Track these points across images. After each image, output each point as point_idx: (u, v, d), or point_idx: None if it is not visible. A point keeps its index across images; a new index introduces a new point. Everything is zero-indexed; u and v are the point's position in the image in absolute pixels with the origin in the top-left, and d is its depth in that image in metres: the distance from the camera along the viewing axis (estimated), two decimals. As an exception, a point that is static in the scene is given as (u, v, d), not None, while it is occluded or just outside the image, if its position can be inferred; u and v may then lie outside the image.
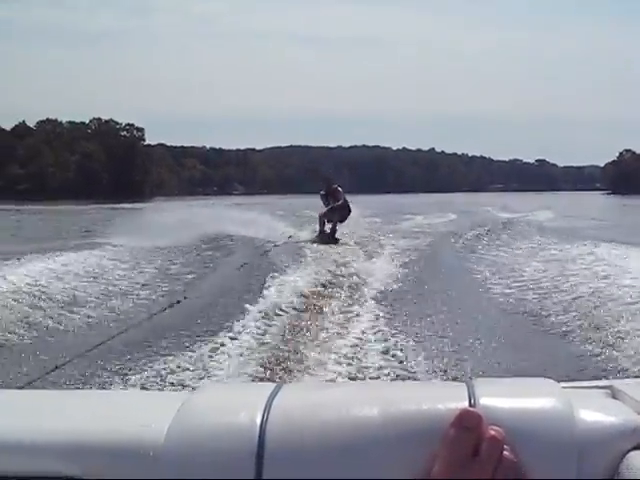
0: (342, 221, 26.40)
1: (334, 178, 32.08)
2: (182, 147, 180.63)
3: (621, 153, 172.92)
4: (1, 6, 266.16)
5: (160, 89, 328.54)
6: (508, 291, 14.42)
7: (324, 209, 25.93)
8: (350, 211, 26.73)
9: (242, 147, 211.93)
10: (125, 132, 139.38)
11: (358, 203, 39.94)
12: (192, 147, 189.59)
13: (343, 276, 16.00)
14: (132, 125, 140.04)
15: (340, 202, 25.84)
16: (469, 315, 12.02)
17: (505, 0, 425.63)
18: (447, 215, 41.55)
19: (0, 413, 1.39)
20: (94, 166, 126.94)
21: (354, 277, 15.94)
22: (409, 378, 8.28)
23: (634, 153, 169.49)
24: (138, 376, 8.54)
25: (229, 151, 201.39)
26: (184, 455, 1.24)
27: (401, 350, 9.53)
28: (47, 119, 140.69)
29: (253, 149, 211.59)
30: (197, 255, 21.59)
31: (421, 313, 11.98)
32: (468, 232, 27.65)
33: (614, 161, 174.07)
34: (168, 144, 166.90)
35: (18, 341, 10.76)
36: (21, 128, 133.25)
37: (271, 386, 1.40)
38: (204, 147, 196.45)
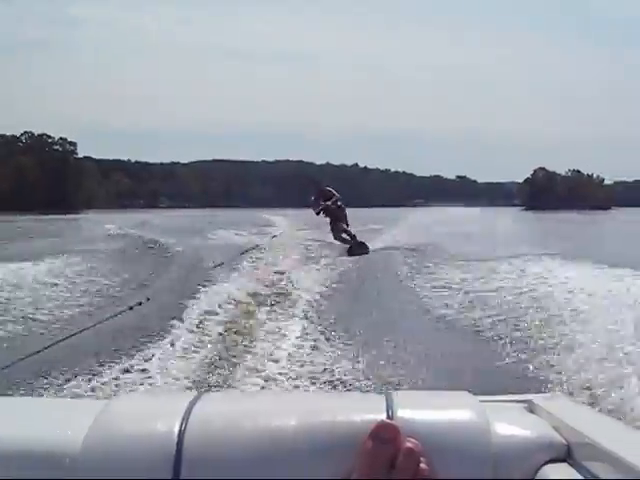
0: (343, 221, 24.50)
1: (323, 181, 31.78)
2: (108, 160, 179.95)
3: (535, 171, 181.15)
4: None
5: (84, 102, 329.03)
6: (434, 303, 14.29)
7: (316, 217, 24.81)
8: (344, 210, 24.88)
9: (167, 160, 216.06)
10: (58, 146, 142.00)
11: (288, 216, 44.32)
12: (117, 160, 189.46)
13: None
14: (65, 139, 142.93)
15: (334, 200, 24.40)
16: (396, 328, 11.89)
17: (423, 11, 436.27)
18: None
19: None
20: (28, 179, 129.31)
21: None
22: (331, 389, 8.23)
23: (547, 171, 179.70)
24: (60, 386, 8.29)
25: (154, 164, 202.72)
26: (101, 461, 1.23)
27: (325, 360, 9.47)
28: None
29: (178, 162, 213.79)
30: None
31: (349, 325, 11.94)
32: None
33: (528, 179, 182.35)
34: (95, 157, 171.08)
35: None
36: None
37: (191, 395, 1.41)
38: (129, 160, 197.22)
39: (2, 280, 16.04)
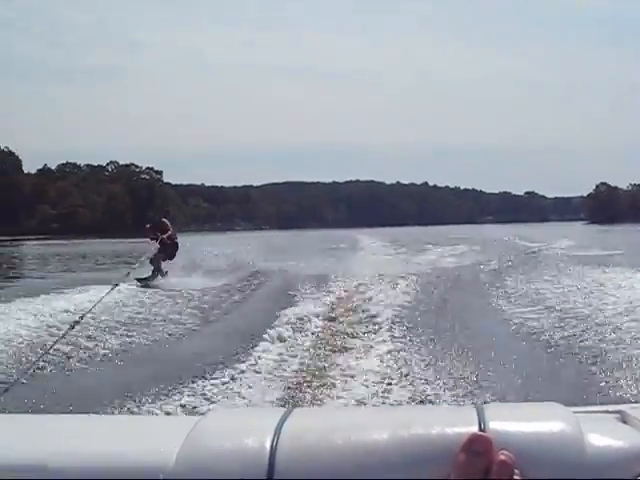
0: (170, 258, 24.30)
1: (168, 211, 29.35)
2: (183, 185, 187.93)
3: (597, 186, 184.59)
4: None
5: (152, 127, 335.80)
6: (522, 318, 14.52)
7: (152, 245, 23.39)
8: (177, 247, 24.80)
9: (239, 184, 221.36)
10: (145, 175, 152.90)
11: (374, 235, 45.94)
12: (191, 185, 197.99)
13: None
14: (151, 168, 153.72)
15: (168, 235, 24.14)
16: (485, 341, 12.05)
17: (501, 28, 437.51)
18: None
19: (21, 437, 1.44)
20: (119, 206, 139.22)
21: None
22: (420, 402, 8.38)
23: (609, 186, 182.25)
24: (153, 402, 8.72)
25: (228, 188, 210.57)
26: (194, 478, 1.27)
27: (414, 374, 9.65)
28: (67, 162, 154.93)
29: (251, 186, 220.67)
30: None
31: (437, 338, 12.16)
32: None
33: (591, 194, 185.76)
34: (173, 183, 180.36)
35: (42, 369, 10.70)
36: (46, 171, 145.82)
37: (281, 410, 1.42)
38: (202, 184, 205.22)
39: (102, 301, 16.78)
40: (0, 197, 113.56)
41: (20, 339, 12.59)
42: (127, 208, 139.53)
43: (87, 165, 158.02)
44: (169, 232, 24.27)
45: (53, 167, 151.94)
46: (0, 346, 11.97)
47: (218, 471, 1.26)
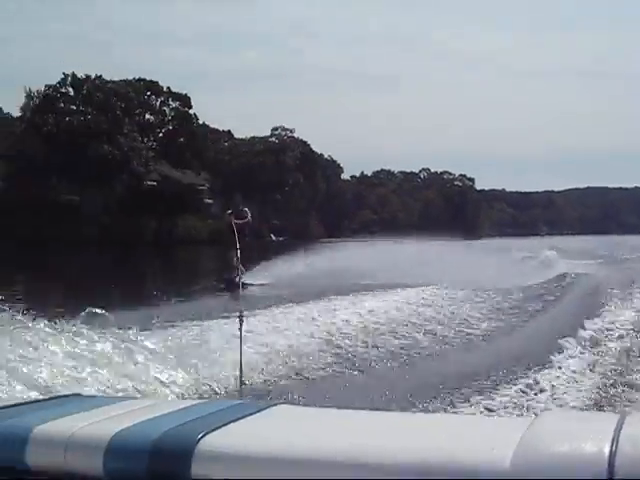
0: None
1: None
2: (486, 190, 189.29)
3: None
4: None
5: (441, 133, 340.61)
6: None
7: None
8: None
9: (540, 189, 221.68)
10: (458, 181, 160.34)
11: None
12: (493, 190, 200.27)
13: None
14: (464, 175, 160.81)
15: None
16: None
17: None
18: None
19: (355, 432, 1.54)
20: (433, 212, 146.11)
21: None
22: None
23: None
24: (483, 401, 8.93)
25: (530, 193, 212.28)
26: (531, 478, 1.28)
27: None
28: (382, 169, 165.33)
29: (552, 191, 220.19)
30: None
31: None
32: None
33: None
34: (477, 188, 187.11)
35: (383, 365, 11.86)
36: (363, 178, 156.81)
37: (615, 417, 1.41)
38: (503, 189, 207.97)
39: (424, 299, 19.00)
40: (326, 202, 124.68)
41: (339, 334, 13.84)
42: (441, 212, 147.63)
43: (400, 172, 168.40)
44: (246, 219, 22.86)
45: (368, 174, 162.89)
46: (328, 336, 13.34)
47: (556, 471, 1.26)
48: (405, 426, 1.63)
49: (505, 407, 8.66)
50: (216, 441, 1.47)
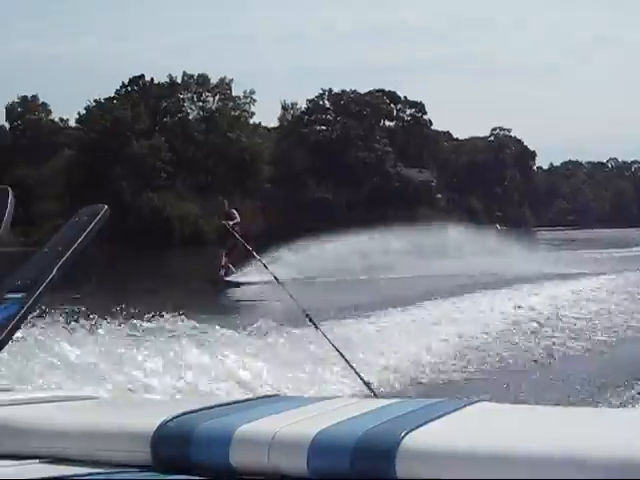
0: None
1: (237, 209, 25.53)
2: None
3: None
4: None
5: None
6: None
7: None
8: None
9: None
10: None
11: None
12: None
13: None
14: None
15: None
16: None
17: None
18: None
19: (554, 428, 1.53)
20: (625, 201, 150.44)
21: None
22: None
23: None
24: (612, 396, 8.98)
25: None
26: None
27: None
28: (569, 160, 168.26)
29: None
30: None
31: None
32: None
33: None
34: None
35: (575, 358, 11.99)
36: (553, 168, 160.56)
37: None
38: None
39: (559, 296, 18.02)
40: (533, 193, 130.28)
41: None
42: (632, 202, 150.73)
43: (588, 162, 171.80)
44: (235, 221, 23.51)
45: (558, 164, 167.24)
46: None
47: None
48: (603, 423, 1.61)
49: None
50: (420, 439, 1.44)
